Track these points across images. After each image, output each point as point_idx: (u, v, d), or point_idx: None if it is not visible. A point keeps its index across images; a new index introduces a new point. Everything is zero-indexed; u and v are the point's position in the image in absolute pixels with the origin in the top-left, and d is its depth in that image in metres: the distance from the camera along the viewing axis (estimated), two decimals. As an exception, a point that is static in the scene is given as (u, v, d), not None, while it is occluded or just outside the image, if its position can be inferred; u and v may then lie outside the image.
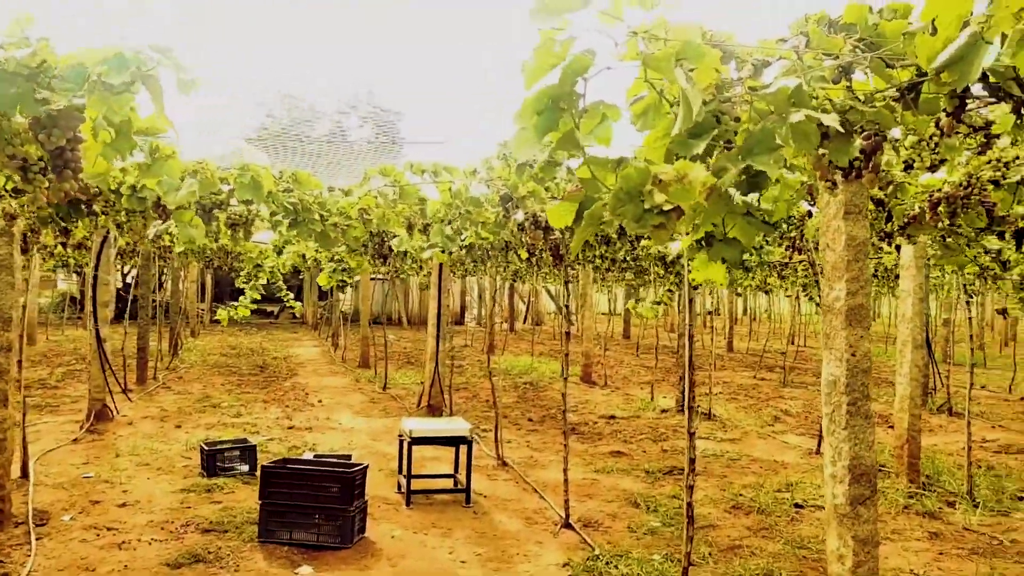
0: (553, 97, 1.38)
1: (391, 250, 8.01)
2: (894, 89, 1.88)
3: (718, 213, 1.67)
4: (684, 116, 1.42)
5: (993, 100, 2.10)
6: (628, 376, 16.25)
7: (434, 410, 10.61)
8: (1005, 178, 2.99)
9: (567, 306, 6.77)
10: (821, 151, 1.86)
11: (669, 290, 9.98)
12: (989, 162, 3.01)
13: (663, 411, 11.50)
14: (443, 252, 4.90)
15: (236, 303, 10.75)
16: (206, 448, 7.14)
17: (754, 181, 1.61)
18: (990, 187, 3.18)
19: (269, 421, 9.99)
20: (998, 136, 2.64)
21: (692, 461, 4.44)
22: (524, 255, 7.74)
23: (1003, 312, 9.95)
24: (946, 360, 15.14)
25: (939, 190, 3.51)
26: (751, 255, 6.68)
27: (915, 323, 7.47)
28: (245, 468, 7.14)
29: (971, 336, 8.09)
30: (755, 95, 1.61)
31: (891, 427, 9.04)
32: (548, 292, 15.98)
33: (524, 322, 34.66)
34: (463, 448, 6.64)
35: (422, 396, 11.21)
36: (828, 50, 1.70)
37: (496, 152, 4.20)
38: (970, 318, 8.64)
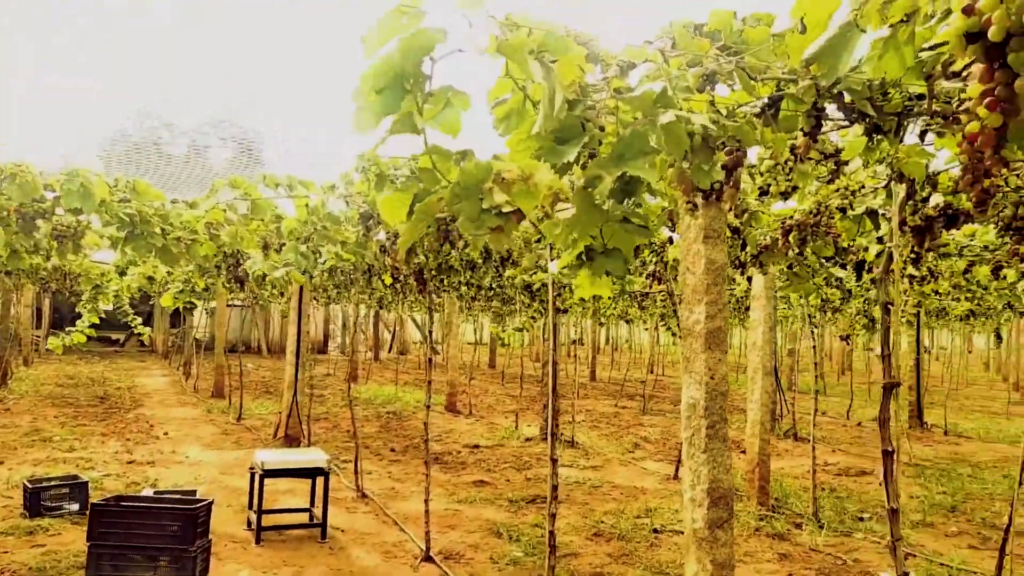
0: (395, 74, 1.24)
1: (247, 273, 7.60)
2: (755, 104, 1.87)
3: (595, 224, 1.59)
4: (545, 113, 1.32)
5: (846, 124, 2.15)
6: (493, 405, 16.18)
7: (291, 441, 10.12)
8: (852, 207, 3.11)
9: (431, 332, 6.61)
10: (685, 164, 1.83)
11: (532, 316, 10.00)
12: (837, 190, 3.13)
13: (527, 440, 11.47)
14: (300, 272, 4.64)
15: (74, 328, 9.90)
16: (29, 486, 6.45)
17: (627, 188, 1.54)
18: (837, 215, 3.30)
19: (107, 456, 9.21)
20: (847, 163, 2.74)
21: (555, 488, 4.36)
22: (388, 280, 7.54)
23: (845, 338, 10.58)
24: (791, 388, 16.00)
25: (791, 218, 3.63)
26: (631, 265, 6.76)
27: (765, 351, 7.79)
28: (75, 507, 6.49)
29: (815, 364, 8.53)
30: (621, 98, 1.54)
31: (743, 452, 9.38)
32: (414, 321, 15.76)
33: (389, 351, 34.08)
34: (320, 480, 6.31)
35: (279, 427, 10.69)
36: (694, 53, 1.67)
37: (355, 165, 4.02)
38: (813, 347, 9.11)
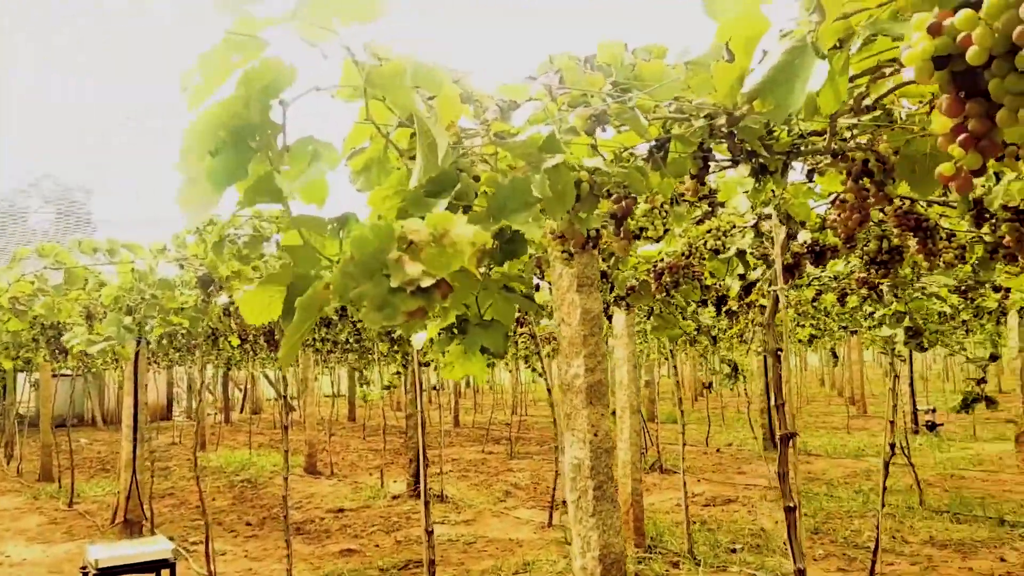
0: (236, 127, 0.94)
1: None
2: (640, 147, 1.70)
3: (470, 290, 1.34)
4: (426, 162, 1.06)
5: (730, 164, 2.02)
6: (356, 462, 15.50)
7: (132, 526, 9.15)
8: (726, 247, 3.04)
9: (286, 396, 6.12)
10: (571, 212, 1.62)
11: (397, 372, 9.60)
12: (709, 231, 3.05)
13: (394, 497, 10.97)
14: (123, 346, 4.11)
15: None
16: None
17: (510, 248, 1.30)
18: (708, 255, 3.23)
19: (-95, 565, 7.96)
20: (723, 204, 2.65)
21: (432, 564, 4.03)
22: (236, 342, 6.98)
23: (708, 386, 10.85)
24: (652, 419, 16.32)
25: (661, 260, 3.54)
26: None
27: (631, 389, 7.78)
28: None
29: (679, 399, 8.63)
30: (503, 144, 1.31)
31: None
32: (267, 378, 14.91)
33: (241, 411, 32.27)
34: (165, 573, 5.63)
35: (117, 510, 9.66)
36: (584, 90, 1.47)
37: (186, 227, 3.60)
38: (677, 381, 9.24)
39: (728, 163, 2.01)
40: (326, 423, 20.21)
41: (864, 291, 5.00)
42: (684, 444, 7.84)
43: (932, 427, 16.02)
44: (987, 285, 5.41)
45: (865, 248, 3.02)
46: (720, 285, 4.64)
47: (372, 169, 1.42)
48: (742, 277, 4.27)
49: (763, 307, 3.27)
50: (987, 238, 3.09)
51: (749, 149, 1.78)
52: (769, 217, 3.03)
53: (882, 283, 3.19)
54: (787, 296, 3.06)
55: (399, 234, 0.93)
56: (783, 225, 2.53)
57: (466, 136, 1.43)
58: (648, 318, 6.59)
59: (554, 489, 8.82)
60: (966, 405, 4.37)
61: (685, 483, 7.64)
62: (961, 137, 0.83)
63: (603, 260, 4.17)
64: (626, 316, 7.69)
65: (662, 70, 1.51)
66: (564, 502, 9.31)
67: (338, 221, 1.08)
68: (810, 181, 1.99)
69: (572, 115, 1.47)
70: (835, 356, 17.06)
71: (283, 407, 5.65)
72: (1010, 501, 9.35)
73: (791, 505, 2.30)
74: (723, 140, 1.62)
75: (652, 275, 3.48)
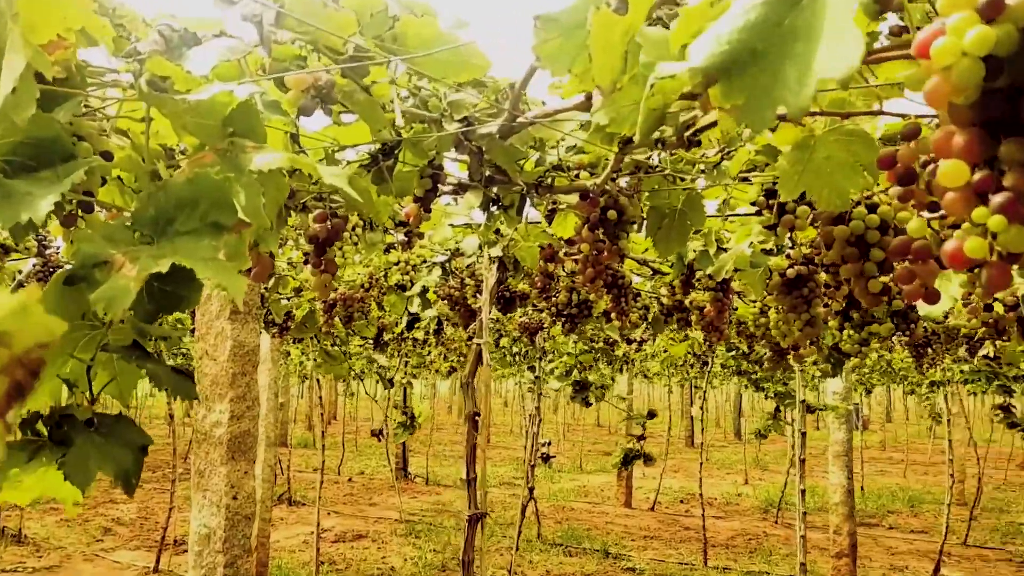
0: None
1: None
2: (363, 149, 1.25)
3: (86, 352, 0.77)
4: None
5: (452, 190, 1.64)
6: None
7: None
8: (413, 283, 2.66)
9: None
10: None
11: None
12: (398, 263, 2.66)
13: (-49, 538, 8.84)
14: None
15: None
16: None
17: (168, 299, 0.76)
18: (389, 290, 2.83)
19: None
20: (421, 235, 2.27)
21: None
22: None
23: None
24: (284, 443, 15.48)
25: (335, 289, 3.06)
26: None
27: (269, 420, 7.09)
28: None
29: (322, 415, 8.10)
30: (160, 100, 0.78)
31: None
32: None
33: None
34: None
35: None
36: (321, 37, 0.96)
37: None
38: (321, 399, 8.67)
39: (450, 188, 1.63)
40: None
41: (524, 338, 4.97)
42: (323, 480, 7.32)
43: (547, 459, 17.33)
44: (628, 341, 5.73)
45: (555, 299, 2.85)
46: (383, 318, 4.28)
47: None
48: (414, 315, 3.95)
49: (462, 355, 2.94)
50: (664, 300, 3.09)
51: (489, 175, 1.41)
52: (503, 264, 2.72)
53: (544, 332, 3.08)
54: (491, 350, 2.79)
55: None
56: (494, 266, 2.23)
57: (95, 79, 0.86)
58: (295, 342, 6.04)
59: (166, 528, 7.71)
60: (627, 461, 4.49)
61: (319, 519, 7.12)
62: (1001, 198, 0.52)
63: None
64: (271, 341, 7.01)
65: (435, 35, 1.07)
66: (176, 541, 8.18)
67: None
68: (549, 224, 1.69)
69: (289, 78, 0.97)
70: (465, 387, 17.71)
71: None
72: (612, 533, 10.25)
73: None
74: (474, 155, 1.23)
75: (323, 305, 2.99)
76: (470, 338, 7.52)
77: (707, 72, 0.52)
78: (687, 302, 2.92)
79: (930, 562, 8.47)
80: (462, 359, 14.49)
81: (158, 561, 7.80)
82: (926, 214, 0.95)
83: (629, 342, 6.20)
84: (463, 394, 2.03)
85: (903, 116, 1.00)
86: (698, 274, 2.19)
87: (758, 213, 1.44)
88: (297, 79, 0.99)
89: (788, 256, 1.73)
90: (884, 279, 1.15)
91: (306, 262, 2.51)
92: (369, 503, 12.41)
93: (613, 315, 2.49)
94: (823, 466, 11.99)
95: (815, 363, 3.58)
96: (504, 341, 6.77)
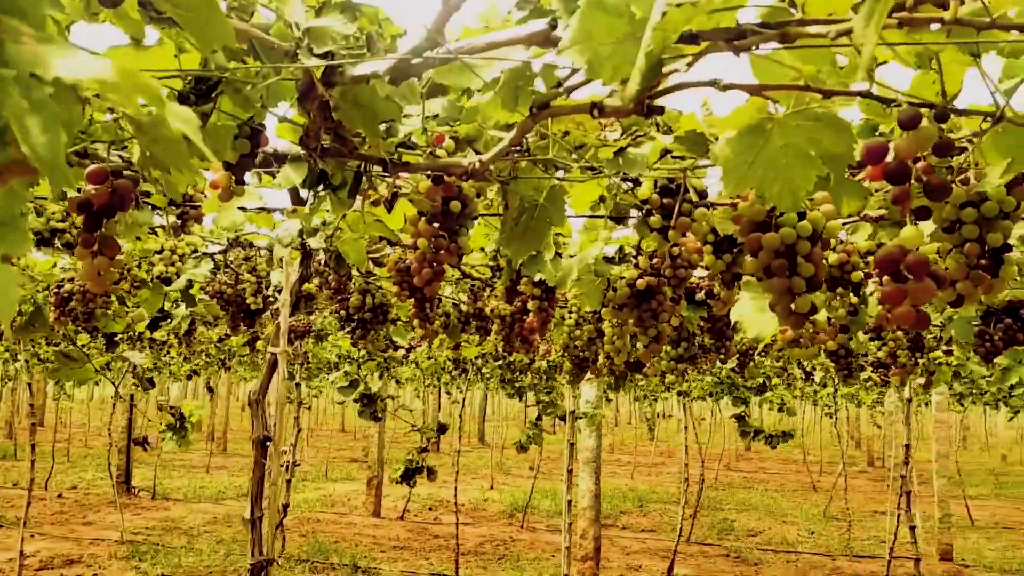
0: None
1: None
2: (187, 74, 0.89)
3: None
4: None
5: (267, 161, 1.30)
6: None
7: None
8: (179, 275, 2.22)
9: None
10: None
11: None
12: (161, 251, 2.19)
13: None
14: None
15: None
16: None
17: None
18: (148, 282, 2.35)
19: None
20: (200, 219, 1.86)
21: None
22: None
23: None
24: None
25: (70, 280, 2.50)
26: None
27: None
28: None
29: (33, 425, 6.95)
30: None
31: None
32: None
33: None
34: None
35: None
36: None
37: None
38: (32, 406, 7.45)
39: (261, 157, 1.29)
40: None
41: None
42: (31, 491, 6.26)
43: (289, 467, 16.50)
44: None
45: (346, 301, 2.54)
46: (130, 315, 3.69)
47: None
48: (163, 314, 3.43)
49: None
50: (464, 307, 2.91)
51: (326, 146, 1.12)
52: (239, 245, 2.33)
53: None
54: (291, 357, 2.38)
55: None
56: (296, 262, 1.87)
57: None
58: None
59: None
60: (407, 476, 4.21)
61: (22, 546, 6.07)
62: None
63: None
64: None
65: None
66: None
67: None
68: (389, 210, 1.39)
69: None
70: (211, 390, 16.36)
71: None
72: (361, 544, 9.89)
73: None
74: (318, 113, 0.93)
75: (55, 299, 2.40)
76: (220, 340, 6.84)
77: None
78: (488, 310, 2.75)
79: (661, 560, 9.09)
80: (208, 361, 13.37)
81: None
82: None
83: (396, 348, 5.95)
84: (251, 413, 1.68)
85: (887, 101, 0.86)
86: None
87: (647, 214, 1.27)
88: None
89: (636, 266, 1.59)
90: (812, 297, 1.03)
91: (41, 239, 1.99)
92: (84, 522, 10.97)
93: (415, 322, 2.24)
94: (559, 471, 12.51)
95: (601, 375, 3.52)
96: (259, 344, 6.24)
